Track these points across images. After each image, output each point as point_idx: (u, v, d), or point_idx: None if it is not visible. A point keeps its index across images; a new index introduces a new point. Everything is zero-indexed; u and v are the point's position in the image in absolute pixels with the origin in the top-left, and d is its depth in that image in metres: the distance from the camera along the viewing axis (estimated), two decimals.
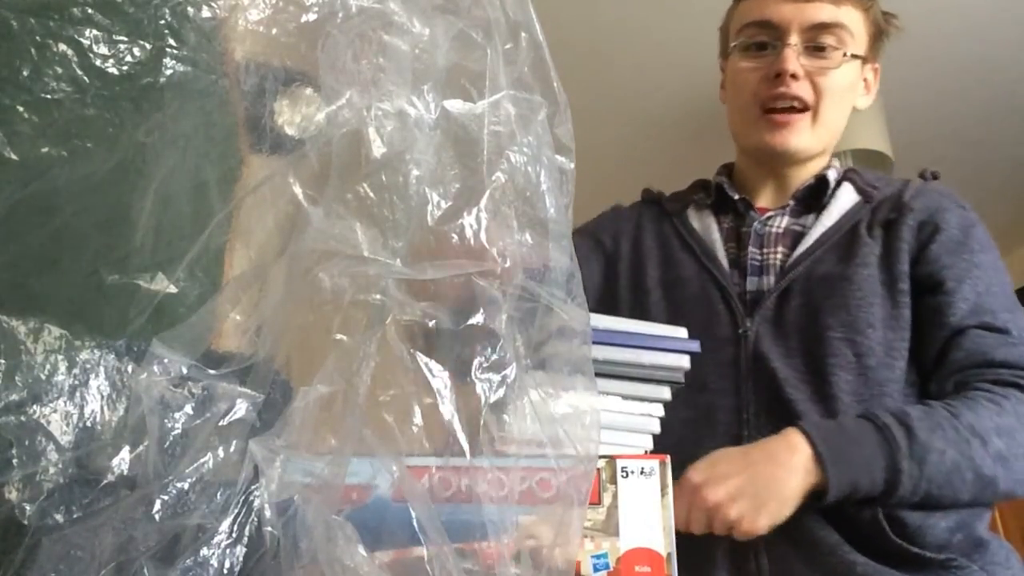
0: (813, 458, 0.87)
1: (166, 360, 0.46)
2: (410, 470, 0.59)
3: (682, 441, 0.86)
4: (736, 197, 1.15)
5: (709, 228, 1.15)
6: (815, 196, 1.12)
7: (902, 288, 1.01)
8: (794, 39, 1.07)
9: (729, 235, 1.14)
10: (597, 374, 0.75)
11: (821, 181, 1.12)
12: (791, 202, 1.12)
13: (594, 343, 0.74)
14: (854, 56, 1.09)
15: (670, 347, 0.77)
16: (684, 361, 0.77)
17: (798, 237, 1.09)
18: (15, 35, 0.50)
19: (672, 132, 2.91)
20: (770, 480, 0.85)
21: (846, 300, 1.01)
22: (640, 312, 1.10)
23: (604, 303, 1.15)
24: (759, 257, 1.09)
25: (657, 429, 0.78)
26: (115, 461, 0.45)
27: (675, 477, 0.71)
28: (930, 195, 1.09)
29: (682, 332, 0.79)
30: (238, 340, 0.48)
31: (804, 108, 1.08)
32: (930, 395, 0.99)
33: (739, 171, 1.21)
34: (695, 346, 0.77)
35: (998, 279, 1.03)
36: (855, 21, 1.09)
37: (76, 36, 0.50)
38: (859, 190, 1.11)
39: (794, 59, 1.05)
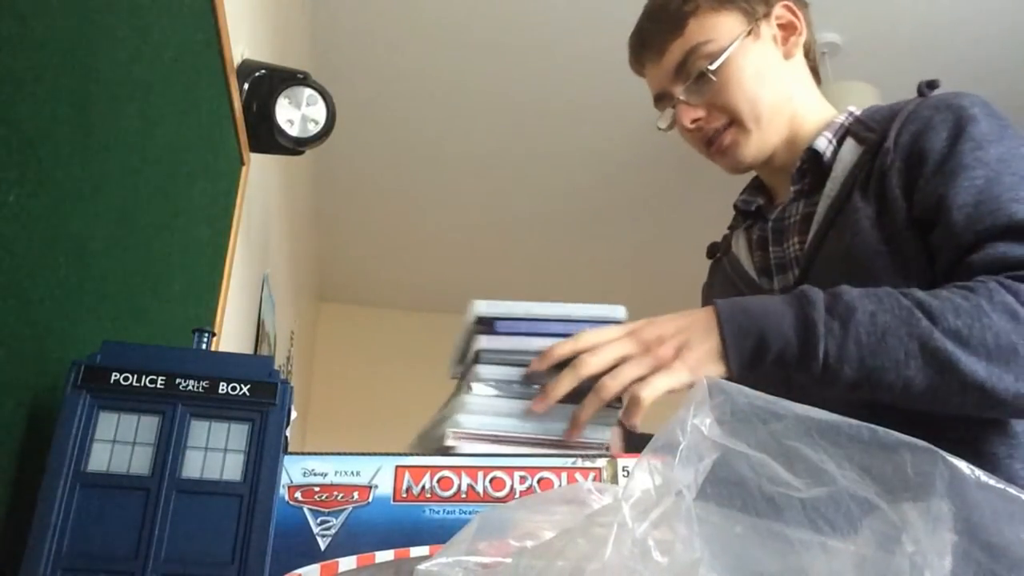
0: (714, 316, 0.80)
1: None
2: (410, 470, 0.59)
3: None
4: (753, 208, 1.12)
5: (741, 247, 1.12)
6: (817, 167, 1.03)
7: (906, 237, 0.91)
8: (677, 92, 1.05)
9: (757, 244, 1.09)
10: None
11: (811, 153, 1.03)
12: (792, 188, 1.05)
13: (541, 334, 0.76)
14: (726, 51, 1.02)
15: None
16: None
17: (811, 219, 1.01)
18: None
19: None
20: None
21: (848, 280, 0.90)
22: None
23: None
24: (781, 254, 1.04)
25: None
26: None
27: None
28: (918, 119, 0.96)
29: (620, 310, 0.80)
30: None
31: (729, 124, 1.05)
32: None
33: (761, 180, 1.17)
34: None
35: (1005, 167, 0.88)
36: (702, 26, 1.04)
37: None
38: (860, 140, 1.01)
39: (686, 112, 1.05)
